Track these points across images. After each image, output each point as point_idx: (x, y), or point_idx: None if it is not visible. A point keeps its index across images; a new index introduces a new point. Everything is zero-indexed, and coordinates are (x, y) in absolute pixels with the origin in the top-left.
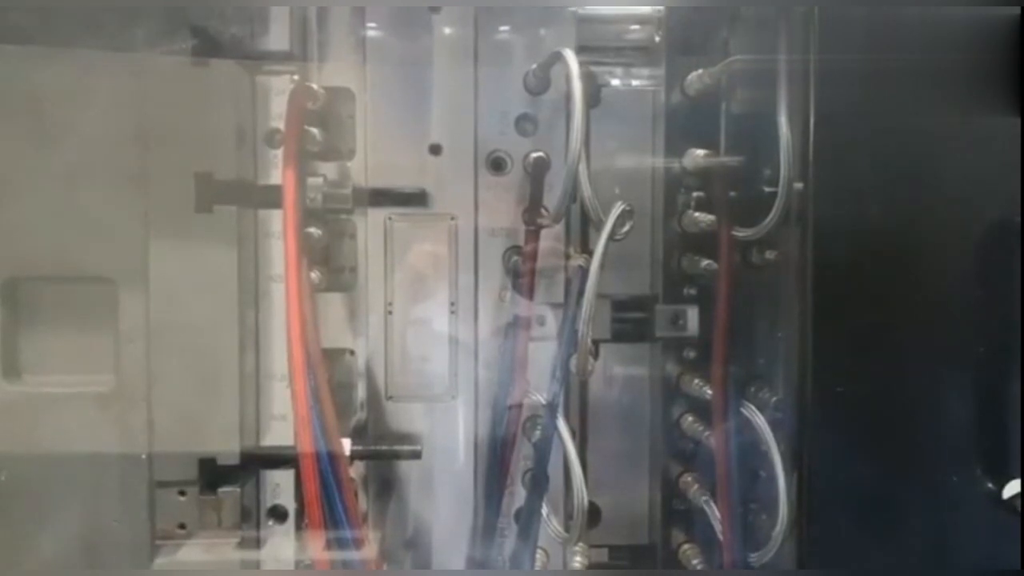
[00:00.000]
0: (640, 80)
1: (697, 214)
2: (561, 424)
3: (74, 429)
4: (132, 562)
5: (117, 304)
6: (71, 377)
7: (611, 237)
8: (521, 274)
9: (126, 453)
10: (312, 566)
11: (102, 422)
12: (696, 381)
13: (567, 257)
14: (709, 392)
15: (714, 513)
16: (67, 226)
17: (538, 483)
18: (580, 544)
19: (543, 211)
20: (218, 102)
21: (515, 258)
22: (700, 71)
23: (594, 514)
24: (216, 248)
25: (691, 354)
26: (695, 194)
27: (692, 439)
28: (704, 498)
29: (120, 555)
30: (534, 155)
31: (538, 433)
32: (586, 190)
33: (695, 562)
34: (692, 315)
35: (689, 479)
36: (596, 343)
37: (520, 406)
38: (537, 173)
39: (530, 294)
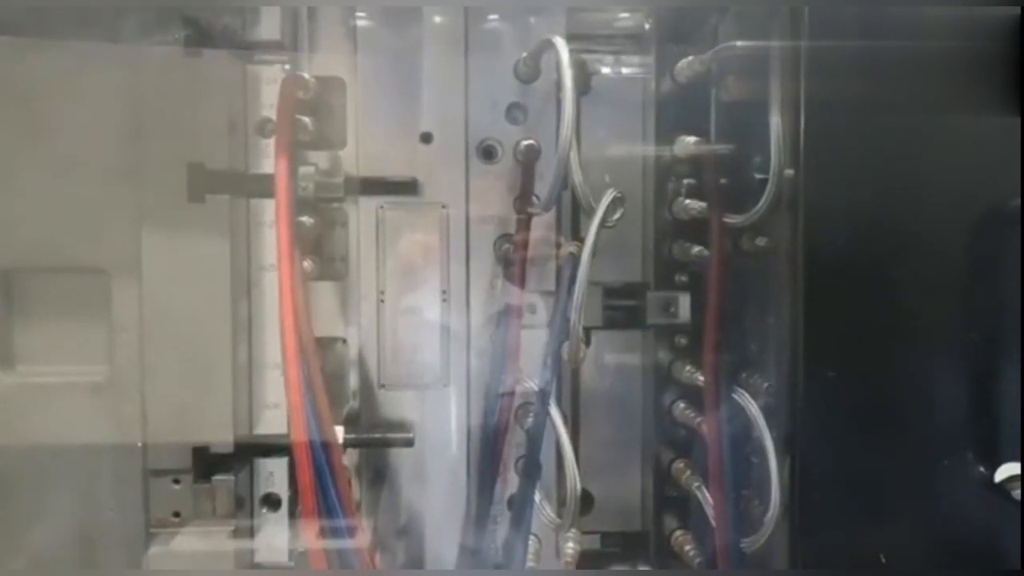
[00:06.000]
0: (630, 68)
1: (688, 201)
2: (553, 411)
3: (68, 419)
4: (127, 550)
5: (110, 294)
6: (65, 367)
7: (602, 224)
8: (512, 262)
9: (120, 442)
10: (305, 555)
11: (96, 411)
12: (688, 368)
13: (558, 245)
14: (701, 379)
15: (706, 499)
16: (60, 217)
17: (531, 470)
18: (573, 531)
19: (534, 199)
20: (210, 92)
21: (506, 246)
22: (690, 58)
23: (587, 501)
24: (208, 238)
25: (683, 341)
26: (686, 181)
27: (684, 426)
28: (696, 484)
29: (115, 543)
30: (524, 143)
31: (530, 420)
32: (577, 177)
33: (687, 548)
34: (684, 302)
35: (681, 466)
36: (587, 330)
37: (512, 394)
38: (528, 161)
39: (521, 282)
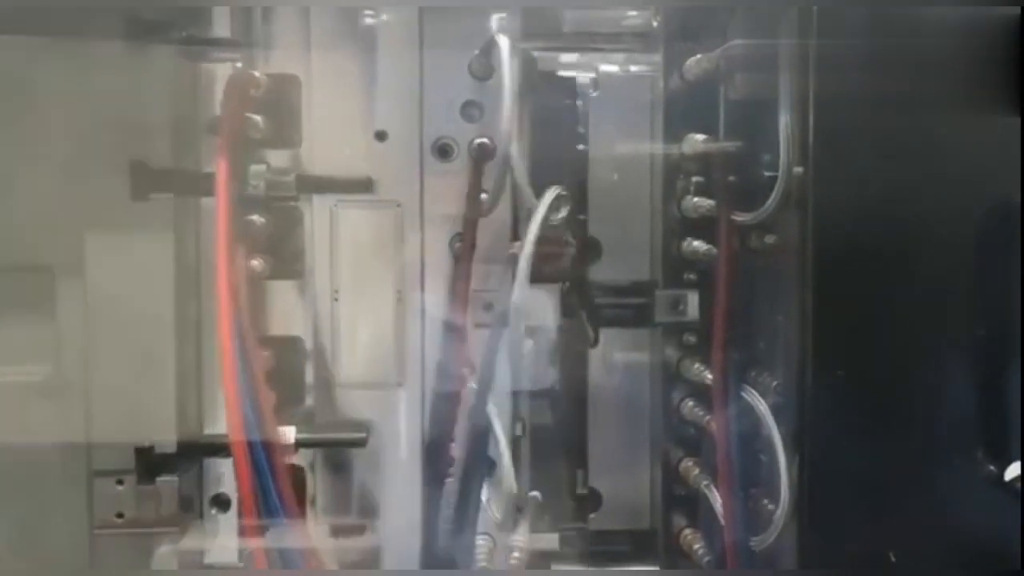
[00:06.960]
0: (638, 66)
1: (696, 199)
2: (491, 410)
3: (12, 418)
4: (70, 550)
5: (55, 293)
6: (9, 367)
7: (544, 222)
8: (463, 261)
9: (64, 442)
10: (250, 556)
11: (40, 411)
12: (696, 366)
13: (514, 241)
14: (709, 377)
15: (715, 497)
16: (3, 215)
17: (477, 468)
18: (519, 536)
19: (483, 198)
20: (159, 89)
21: (459, 244)
22: (699, 56)
23: (595, 499)
24: (153, 236)
25: (691, 339)
26: (694, 179)
27: (693, 424)
28: (705, 483)
29: (58, 543)
30: (477, 141)
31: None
32: (520, 177)
33: (696, 547)
34: (692, 300)
35: (690, 464)
36: (596, 328)
37: (462, 392)
38: (480, 159)
39: (468, 281)
